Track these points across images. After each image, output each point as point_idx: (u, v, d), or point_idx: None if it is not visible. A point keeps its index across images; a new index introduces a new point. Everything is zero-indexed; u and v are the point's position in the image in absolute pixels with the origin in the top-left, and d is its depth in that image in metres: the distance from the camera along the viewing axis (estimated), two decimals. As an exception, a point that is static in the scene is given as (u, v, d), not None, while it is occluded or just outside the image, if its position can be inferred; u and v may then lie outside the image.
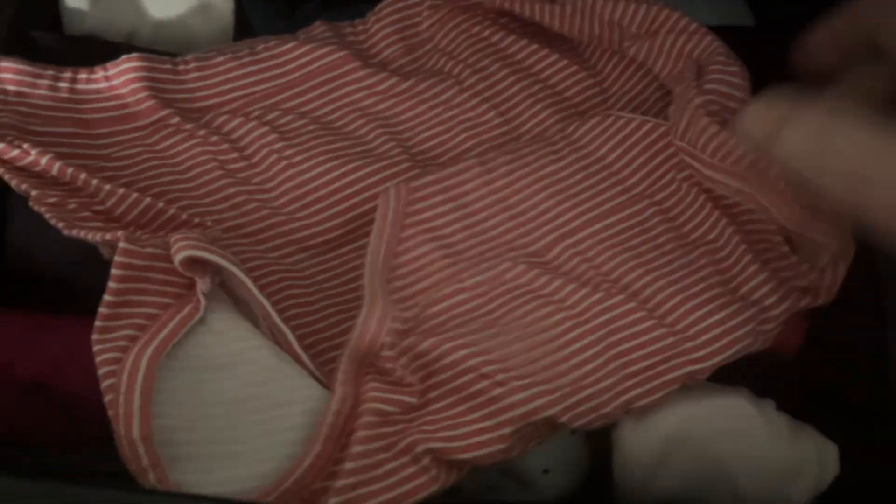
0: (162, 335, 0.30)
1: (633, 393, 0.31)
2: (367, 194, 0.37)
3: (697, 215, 0.35)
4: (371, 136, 0.38)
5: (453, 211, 0.35)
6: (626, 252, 0.34)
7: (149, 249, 0.31)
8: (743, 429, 0.31)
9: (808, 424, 0.32)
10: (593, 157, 0.36)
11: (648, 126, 0.36)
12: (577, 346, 0.32)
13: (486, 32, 0.41)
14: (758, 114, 0.29)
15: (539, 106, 0.39)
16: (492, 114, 0.39)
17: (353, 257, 0.36)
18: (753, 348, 0.33)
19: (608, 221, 0.35)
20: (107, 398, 0.28)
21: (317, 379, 0.31)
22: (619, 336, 0.32)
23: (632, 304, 0.33)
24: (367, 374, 0.31)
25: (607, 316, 0.32)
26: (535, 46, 0.41)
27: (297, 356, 0.31)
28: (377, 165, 0.37)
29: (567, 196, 0.35)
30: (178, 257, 0.30)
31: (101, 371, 0.29)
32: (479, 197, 0.35)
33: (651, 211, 0.35)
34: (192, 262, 0.30)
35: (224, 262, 0.30)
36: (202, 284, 0.31)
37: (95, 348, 0.29)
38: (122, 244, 0.30)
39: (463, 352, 0.31)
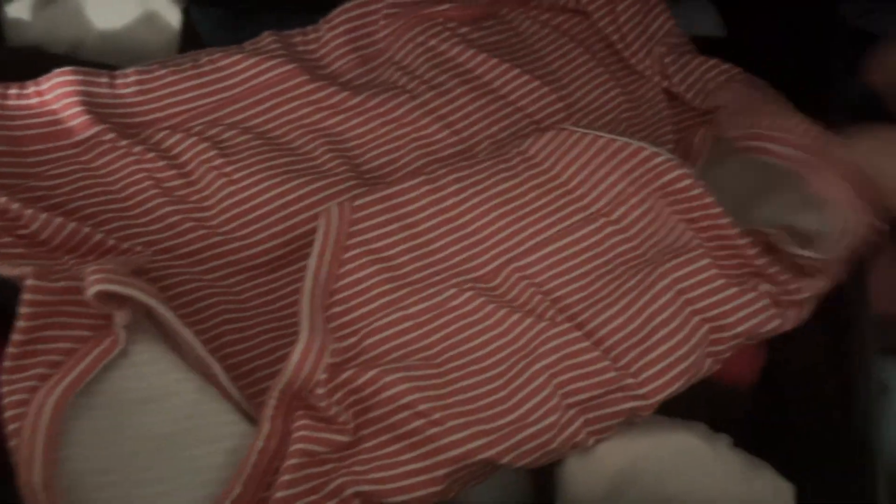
0: (74, 373, 0.28)
1: (574, 426, 0.30)
2: (309, 213, 0.35)
3: (659, 231, 0.33)
4: (317, 152, 0.37)
5: (399, 231, 0.33)
6: (575, 279, 0.32)
7: (62, 283, 0.29)
8: (693, 466, 0.30)
9: (764, 461, 0.30)
10: (548, 174, 0.34)
11: (602, 141, 0.34)
12: (521, 380, 0.30)
13: (445, 46, 0.39)
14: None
15: (496, 127, 0.38)
16: (445, 132, 0.38)
17: (293, 279, 0.35)
18: (701, 374, 0.31)
19: (560, 244, 0.33)
20: (12, 443, 0.27)
21: (246, 413, 0.30)
22: (562, 366, 0.31)
23: (576, 334, 0.31)
24: (298, 408, 0.29)
25: (552, 345, 0.31)
26: (494, 61, 0.39)
27: (225, 389, 0.30)
28: (322, 183, 0.36)
29: (519, 216, 0.34)
30: (90, 292, 0.28)
31: (7, 414, 0.27)
32: (426, 217, 0.33)
33: (607, 230, 0.34)
34: (109, 295, 0.29)
35: (140, 296, 0.29)
36: (120, 317, 0.29)
37: (3, 390, 0.27)
38: (29, 281, 0.28)
39: (400, 387, 0.29)
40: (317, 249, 0.32)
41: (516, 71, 0.39)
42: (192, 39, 0.40)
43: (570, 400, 0.30)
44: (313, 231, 0.34)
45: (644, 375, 0.30)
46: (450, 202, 0.34)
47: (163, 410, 0.29)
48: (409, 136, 0.38)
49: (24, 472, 0.26)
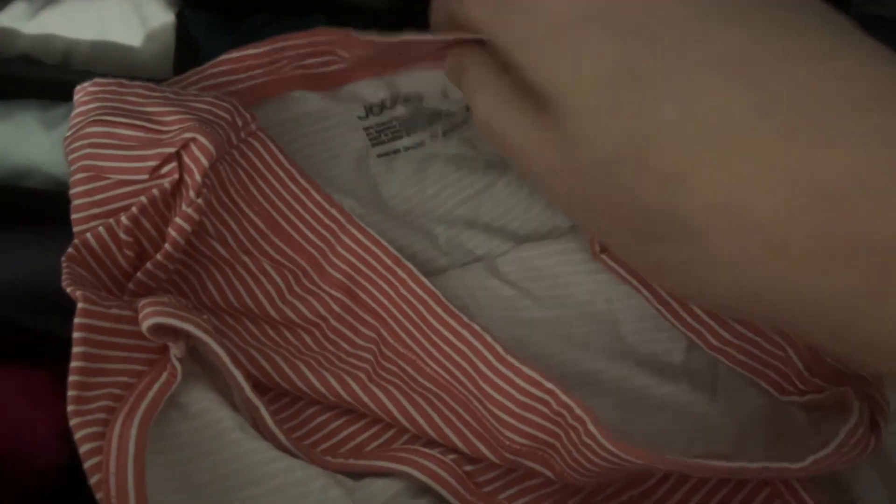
0: (143, 406, 0.27)
1: None
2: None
3: None
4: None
5: None
6: None
7: (114, 311, 0.28)
8: None
9: None
10: None
11: None
12: None
13: None
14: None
15: None
16: None
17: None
18: None
19: None
20: (93, 479, 0.26)
21: (291, 452, 0.30)
22: None
23: None
24: None
25: None
26: None
27: (272, 433, 0.30)
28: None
29: None
30: (146, 324, 0.28)
31: (84, 448, 0.26)
32: None
33: None
34: (162, 328, 0.28)
35: (196, 331, 0.28)
36: (176, 350, 0.29)
37: (73, 422, 0.27)
38: (81, 304, 0.28)
39: None
40: None
41: None
42: (187, 44, 0.39)
43: None
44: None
45: None
46: None
47: (207, 453, 0.29)
48: None
49: None
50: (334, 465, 0.30)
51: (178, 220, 0.30)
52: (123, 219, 0.30)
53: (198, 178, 0.30)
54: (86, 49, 0.39)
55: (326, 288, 0.33)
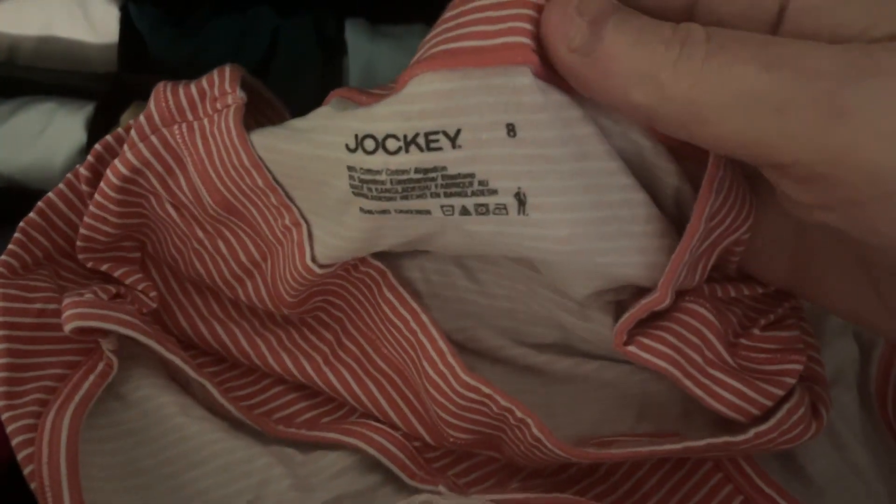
0: (78, 397, 0.28)
1: None
2: None
3: None
4: None
5: None
6: None
7: (38, 305, 0.28)
8: None
9: None
10: None
11: None
12: None
13: None
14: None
15: None
16: None
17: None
18: None
19: None
20: (26, 470, 0.26)
21: (247, 426, 0.30)
22: None
23: None
24: None
25: None
26: None
27: (222, 406, 0.30)
28: None
29: None
30: (68, 328, 0.28)
31: (16, 440, 0.26)
32: None
33: None
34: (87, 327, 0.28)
35: (121, 329, 0.28)
36: (107, 344, 0.29)
37: (5, 416, 0.27)
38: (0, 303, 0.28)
39: None
40: None
41: None
42: (131, 38, 0.39)
43: None
44: None
45: None
46: None
47: (150, 440, 0.29)
48: None
49: (51, 500, 0.26)
50: (286, 434, 0.30)
51: (107, 171, 0.29)
52: (82, 170, 0.29)
53: (133, 134, 0.29)
54: (31, 45, 0.39)
55: None
